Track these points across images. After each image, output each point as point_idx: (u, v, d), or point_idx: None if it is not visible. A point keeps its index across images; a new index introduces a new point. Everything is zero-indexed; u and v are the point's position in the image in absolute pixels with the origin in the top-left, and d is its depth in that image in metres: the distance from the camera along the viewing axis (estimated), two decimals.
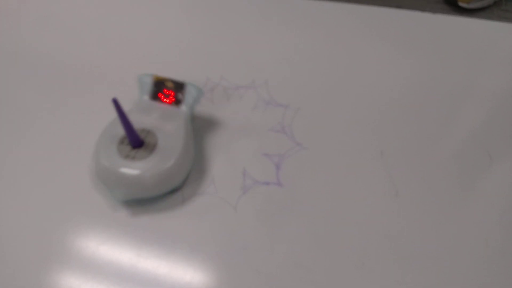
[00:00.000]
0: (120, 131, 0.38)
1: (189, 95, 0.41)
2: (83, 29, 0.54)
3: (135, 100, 0.42)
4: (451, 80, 0.48)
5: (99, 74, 0.49)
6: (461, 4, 0.72)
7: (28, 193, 0.39)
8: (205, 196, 0.39)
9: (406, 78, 0.48)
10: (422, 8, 0.57)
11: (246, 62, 0.50)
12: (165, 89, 0.41)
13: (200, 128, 0.44)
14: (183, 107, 0.41)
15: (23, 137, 0.44)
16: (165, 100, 0.41)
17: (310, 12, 0.56)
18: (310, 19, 0.55)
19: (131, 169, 0.36)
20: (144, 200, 0.38)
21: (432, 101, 0.46)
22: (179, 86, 0.41)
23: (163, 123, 0.39)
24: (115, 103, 0.34)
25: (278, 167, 0.41)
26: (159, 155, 0.37)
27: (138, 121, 0.38)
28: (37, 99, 0.47)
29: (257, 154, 0.42)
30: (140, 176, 0.36)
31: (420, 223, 0.37)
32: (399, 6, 0.56)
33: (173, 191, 0.39)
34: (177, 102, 0.41)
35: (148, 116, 0.40)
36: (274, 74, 0.49)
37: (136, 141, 0.37)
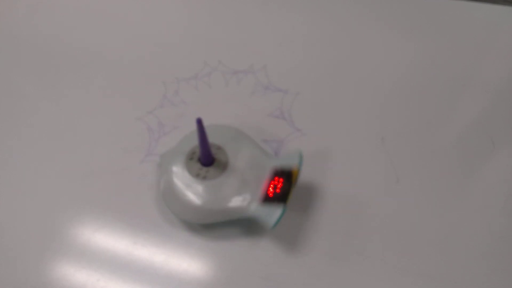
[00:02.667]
0: (188, 147, 0.36)
1: (268, 214, 0.32)
2: (79, 15, 0.53)
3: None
4: (454, 65, 0.47)
5: (96, 58, 0.48)
6: None
7: (22, 181, 0.39)
8: None
9: (408, 63, 0.47)
10: None
11: (245, 47, 0.49)
12: (282, 179, 0.33)
13: (196, 114, 0.43)
14: (254, 207, 0.33)
15: (18, 127, 0.43)
16: (270, 185, 0.34)
17: None
18: (309, 2, 0.54)
19: (198, 196, 0.33)
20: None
21: (434, 87, 0.45)
22: (282, 196, 0.33)
23: (239, 182, 0.34)
24: (199, 123, 0.31)
25: (277, 153, 0.40)
26: (231, 176, 0.34)
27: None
28: (35, 87, 0.46)
29: (256, 140, 0.41)
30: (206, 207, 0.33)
31: (421, 210, 0.37)
32: None
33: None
34: (266, 199, 0.33)
35: (244, 161, 0.35)
36: (272, 58, 0.47)
37: (206, 159, 0.34)
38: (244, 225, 0.36)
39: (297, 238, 0.35)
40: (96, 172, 0.39)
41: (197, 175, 0.34)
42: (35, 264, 0.34)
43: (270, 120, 0.42)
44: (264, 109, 0.43)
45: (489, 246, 0.35)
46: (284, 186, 0.33)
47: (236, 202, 0.33)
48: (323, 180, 0.38)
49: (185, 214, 0.34)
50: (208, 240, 0.35)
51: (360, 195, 0.37)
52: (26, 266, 0.34)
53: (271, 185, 0.33)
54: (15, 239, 0.35)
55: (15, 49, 0.49)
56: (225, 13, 0.53)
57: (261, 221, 0.32)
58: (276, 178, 0.34)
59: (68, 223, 0.36)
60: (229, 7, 0.53)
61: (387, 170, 0.39)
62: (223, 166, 0.34)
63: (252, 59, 0.47)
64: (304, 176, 0.38)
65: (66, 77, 0.46)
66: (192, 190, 0.34)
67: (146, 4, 0.54)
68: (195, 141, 0.35)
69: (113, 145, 0.41)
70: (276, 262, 0.34)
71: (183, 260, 0.34)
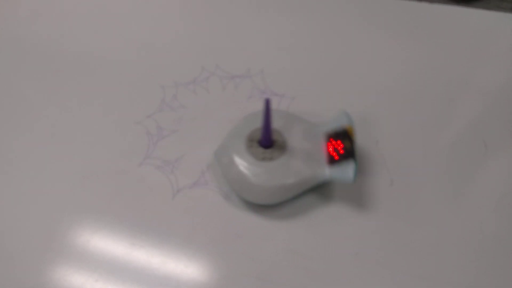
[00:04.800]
0: (248, 128, 0.38)
1: (344, 171, 0.35)
2: (79, 20, 0.54)
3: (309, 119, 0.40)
4: (448, 69, 0.48)
5: (95, 63, 0.48)
6: None
7: (22, 183, 0.39)
8: (198, 185, 0.39)
9: (403, 67, 0.48)
10: None
11: (242, 51, 0.50)
12: (340, 141, 0.36)
13: (195, 118, 0.43)
14: (328, 171, 0.36)
15: (18, 130, 0.43)
16: (329, 149, 0.37)
17: (306, 0, 0.55)
18: (306, 7, 0.55)
19: (273, 176, 0.35)
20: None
21: (428, 91, 0.46)
22: (348, 154, 0.36)
23: (303, 153, 0.37)
24: (267, 103, 0.33)
25: None
26: (293, 151, 0.36)
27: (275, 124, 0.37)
28: (36, 87, 0.46)
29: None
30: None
31: (414, 212, 0.37)
32: None
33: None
34: (332, 161, 0.36)
35: (298, 135, 0.37)
36: (269, 63, 0.48)
37: (268, 141, 0.36)
38: (243, 225, 0.36)
39: (293, 239, 0.36)
40: (95, 174, 0.39)
41: (263, 159, 0.36)
42: (34, 265, 0.34)
43: None
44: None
45: (481, 246, 0.35)
46: (346, 145, 0.36)
47: (308, 171, 0.36)
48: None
49: (267, 198, 0.36)
50: (205, 241, 0.36)
51: (354, 196, 0.38)
52: (25, 266, 0.34)
53: (331, 148, 0.36)
54: (14, 240, 0.36)
55: (16, 53, 0.50)
56: (223, 19, 0.53)
57: (339, 180, 0.36)
58: (332, 139, 0.37)
59: (67, 224, 0.37)
60: (227, 13, 0.54)
61: (382, 172, 0.39)
62: (282, 145, 0.36)
63: (249, 64, 0.48)
64: None
65: (66, 81, 0.47)
66: (265, 174, 0.35)
67: (145, 10, 0.55)
68: (246, 130, 0.38)
69: (112, 149, 0.41)
70: (272, 263, 0.34)
71: (180, 261, 0.35)
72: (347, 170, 0.35)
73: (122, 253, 0.35)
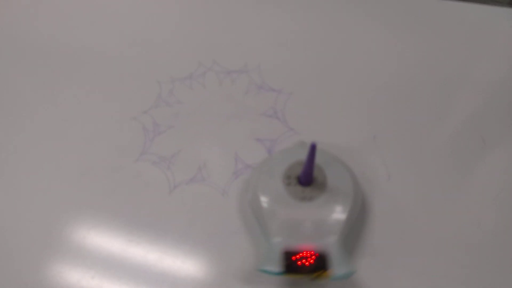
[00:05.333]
0: (280, 167, 0.35)
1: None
2: (74, 15, 0.53)
3: None
4: (445, 64, 0.48)
5: (91, 58, 0.48)
6: None
7: (17, 180, 0.39)
8: (196, 181, 0.38)
9: (400, 62, 0.48)
10: None
11: (239, 46, 0.49)
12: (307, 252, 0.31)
13: (191, 113, 0.43)
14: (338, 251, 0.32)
15: (12, 127, 0.43)
16: (303, 260, 0.31)
17: None
18: (303, 2, 0.54)
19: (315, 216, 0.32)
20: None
21: (425, 86, 0.46)
22: (321, 265, 0.31)
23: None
24: (313, 148, 0.31)
25: (271, 152, 0.40)
26: (333, 194, 0.34)
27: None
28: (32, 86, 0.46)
29: (250, 139, 0.41)
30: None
31: (412, 207, 0.37)
32: None
33: None
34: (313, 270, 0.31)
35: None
36: (266, 58, 0.48)
37: (310, 180, 0.34)
38: (240, 221, 0.36)
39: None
40: (91, 171, 0.39)
41: (302, 199, 0.33)
42: (30, 262, 0.34)
43: (263, 119, 0.43)
44: (257, 108, 0.43)
45: (479, 241, 0.35)
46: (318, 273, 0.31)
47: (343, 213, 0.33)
48: None
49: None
50: (202, 237, 0.35)
51: None
52: (21, 264, 0.34)
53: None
54: (9, 237, 0.36)
55: (11, 49, 0.49)
56: (219, 13, 0.53)
57: (332, 261, 0.31)
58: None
59: (63, 221, 0.36)
60: (223, 7, 0.54)
61: (379, 167, 0.39)
62: (322, 184, 0.34)
63: (246, 59, 0.48)
64: None
65: (61, 77, 0.46)
66: (307, 215, 0.33)
67: (141, 4, 0.54)
68: (279, 169, 0.35)
69: (108, 144, 0.41)
70: None
71: (177, 257, 0.34)
72: (342, 265, 0.31)
73: (118, 249, 0.35)
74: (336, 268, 0.30)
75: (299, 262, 0.30)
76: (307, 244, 0.32)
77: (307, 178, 0.34)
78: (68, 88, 0.45)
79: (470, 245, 0.35)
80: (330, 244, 0.32)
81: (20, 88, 0.46)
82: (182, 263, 0.34)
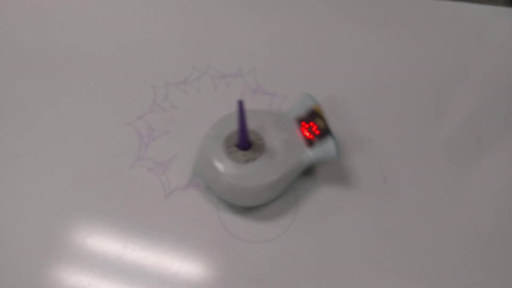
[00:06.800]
0: (222, 133, 0.37)
1: (326, 149, 0.36)
2: (69, 20, 0.53)
3: (275, 108, 0.41)
4: (440, 64, 0.48)
5: (85, 63, 0.48)
6: None
7: (13, 186, 0.39)
8: (191, 186, 0.38)
9: (394, 63, 0.48)
10: None
11: (233, 50, 0.49)
12: (312, 123, 0.37)
13: (186, 118, 0.43)
14: (311, 152, 0.36)
15: (8, 133, 0.43)
16: (304, 132, 0.37)
17: None
18: (296, 5, 0.54)
19: (261, 176, 0.35)
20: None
21: (420, 86, 0.46)
22: (324, 132, 0.36)
23: (281, 145, 0.36)
24: (241, 105, 0.33)
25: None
26: (272, 146, 0.36)
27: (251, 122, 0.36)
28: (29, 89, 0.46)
29: None
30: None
31: (408, 209, 0.37)
32: None
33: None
34: (311, 143, 0.37)
35: (271, 129, 0.37)
36: (261, 61, 0.48)
37: (246, 143, 0.35)
38: (236, 226, 0.36)
39: (285, 239, 0.36)
40: (86, 177, 0.39)
41: (246, 161, 0.35)
42: (26, 269, 0.34)
43: None
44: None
45: (475, 243, 0.35)
46: (319, 124, 0.37)
47: (292, 161, 0.36)
48: (311, 180, 0.39)
49: (260, 198, 0.36)
50: (197, 242, 0.35)
51: (347, 194, 0.38)
52: (16, 271, 0.34)
53: (306, 131, 0.37)
54: (5, 244, 0.36)
55: (4, 54, 0.49)
56: (214, 17, 0.53)
57: (323, 159, 0.36)
58: (304, 123, 0.38)
59: (59, 227, 0.36)
60: (217, 11, 0.54)
61: (374, 170, 0.39)
62: (260, 142, 0.36)
63: (241, 63, 0.48)
64: None
65: (56, 83, 0.46)
66: (253, 177, 0.35)
67: (135, 10, 0.54)
68: (220, 137, 0.37)
69: (103, 150, 0.41)
70: (264, 263, 0.34)
71: (173, 263, 0.34)
72: (328, 147, 0.36)
73: (114, 256, 0.35)
74: None
75: (316, 132, 0.37)
76: None
77: (244, 141, 0.35)
78: (62, 94, 0.45)
79: (467, 246, 0.35)
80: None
81: (15, 93, 0.46)
82: (178, 269, 0.34)
